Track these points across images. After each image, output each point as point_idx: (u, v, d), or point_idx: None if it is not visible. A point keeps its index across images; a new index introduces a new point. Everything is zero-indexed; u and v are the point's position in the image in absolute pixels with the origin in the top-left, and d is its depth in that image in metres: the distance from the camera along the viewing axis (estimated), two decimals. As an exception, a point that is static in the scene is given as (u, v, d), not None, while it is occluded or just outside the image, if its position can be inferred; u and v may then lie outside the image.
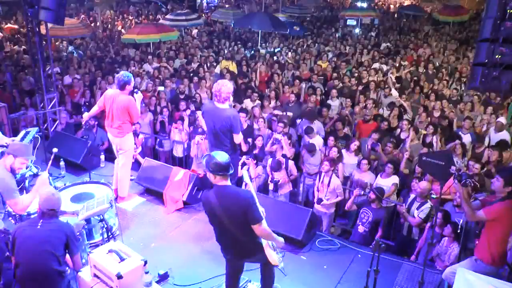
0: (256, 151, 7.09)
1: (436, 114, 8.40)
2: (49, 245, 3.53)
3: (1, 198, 3.95)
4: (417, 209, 5.59)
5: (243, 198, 3.51)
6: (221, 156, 3.55)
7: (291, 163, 6.61)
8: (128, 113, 5.55)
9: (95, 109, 5.90)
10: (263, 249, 3.70)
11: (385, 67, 11.88)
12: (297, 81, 10.13)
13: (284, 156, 6.65)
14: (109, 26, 19.23)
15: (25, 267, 3.52)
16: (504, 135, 7.38)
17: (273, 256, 3.74)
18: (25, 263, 3.51)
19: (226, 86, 4.93)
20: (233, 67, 11.62)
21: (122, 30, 17.61)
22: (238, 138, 5.05)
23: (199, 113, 5.99)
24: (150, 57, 12.10)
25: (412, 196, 5.86)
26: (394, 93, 9.57)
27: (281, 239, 3.74)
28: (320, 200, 6.12)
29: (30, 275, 3.52)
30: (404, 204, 5.88)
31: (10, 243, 3.64)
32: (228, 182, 3.60)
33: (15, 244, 3.56)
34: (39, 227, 3.55)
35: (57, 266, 3.56)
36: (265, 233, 3.57)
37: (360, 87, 9.95)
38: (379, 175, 6.44)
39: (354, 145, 6.91)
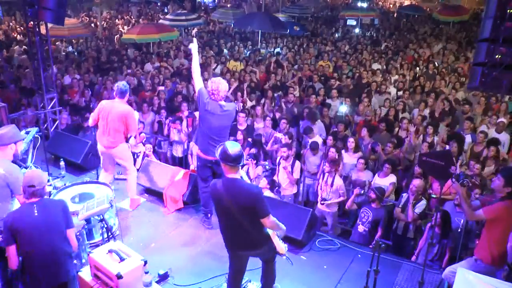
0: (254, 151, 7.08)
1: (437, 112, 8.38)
2: (55, 224, 3.53)
3: (10, 190, 3.93)
4: (413, 206, 5.58)
5: (252, 192, 3.54)
6: (233, 147, 3.56)
7: (297, 163, 6.52)
8: (125, 123, 5.36)
9: (91, 122, 5.63)
10: (270, 239, 3.73)
11: (385, 67, 11.88)
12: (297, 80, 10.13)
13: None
14: (109, 26, 19.22)
15: (38, 255, 3.47)
16: (503, 136, 7.41)
17: (280, 245, 3.79)
18: (38, 251, 3.46)
19: (223, 85, 5.00)
20: (241, 67, 11.60)
21: (122, 30, 17.61)
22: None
23: (197, 113, 5.97)
24: (153, 56, 12.10)
25: (404, 195, 5.84)
26: (393, 91, 9.58)
27: (284, 227, 3.79)
28: (324, 200, 6.12)
29: (44, 261, 3.49)
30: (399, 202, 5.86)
31: (6, 233, 3.48)
32: (238, 175, 3.62)
33: (17, 236, 3.45)
34: (36, 213, 3.49)
35: (67, 247, 3.60)
36: (274, 224, 3.64)
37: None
38: (376, 175, 6.42)
39: (351, 143, 6.89)
